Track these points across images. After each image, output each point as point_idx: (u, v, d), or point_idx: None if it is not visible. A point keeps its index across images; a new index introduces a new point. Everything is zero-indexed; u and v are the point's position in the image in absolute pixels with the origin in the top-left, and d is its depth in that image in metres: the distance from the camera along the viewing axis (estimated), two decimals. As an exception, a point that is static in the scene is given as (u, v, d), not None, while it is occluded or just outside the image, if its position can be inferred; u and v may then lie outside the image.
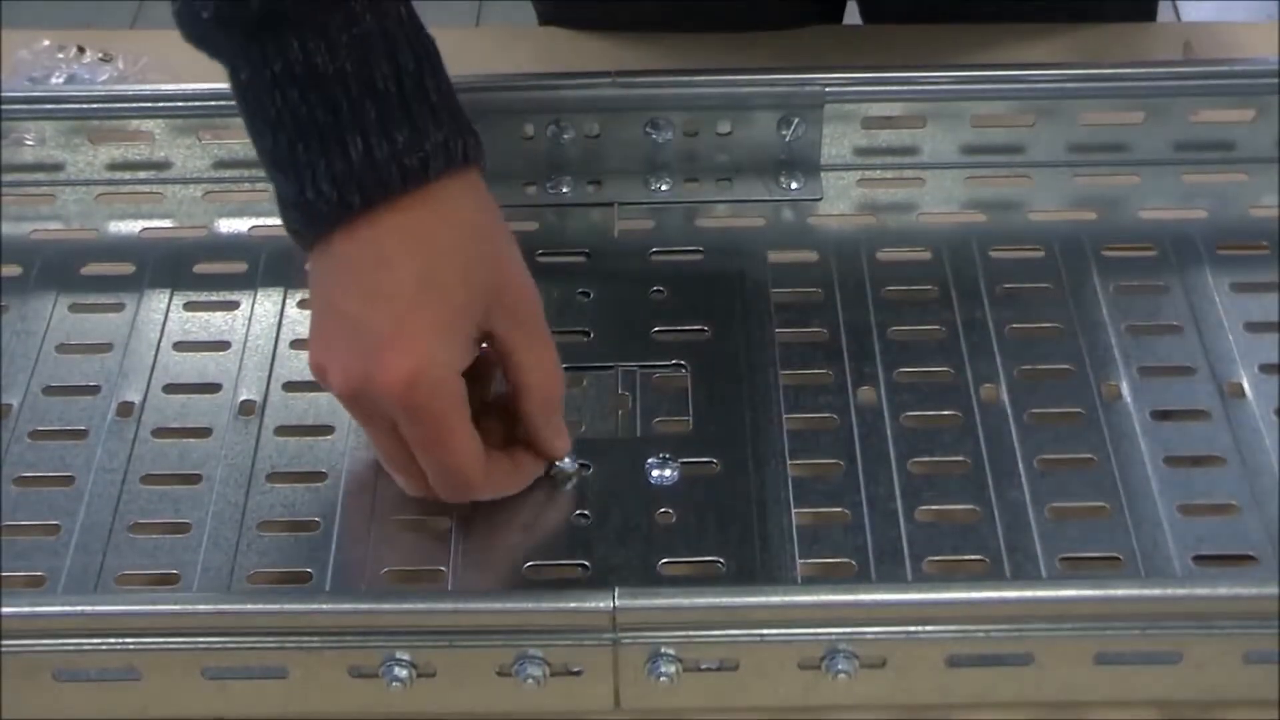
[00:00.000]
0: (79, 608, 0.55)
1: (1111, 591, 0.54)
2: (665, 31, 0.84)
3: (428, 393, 0.55)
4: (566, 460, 0.62)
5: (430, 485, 0.58)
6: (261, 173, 0.73)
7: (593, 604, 0.54)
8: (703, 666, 0.55)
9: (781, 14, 0.85)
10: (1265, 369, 0.66)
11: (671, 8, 0.84)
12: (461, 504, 0.60)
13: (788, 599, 0.55)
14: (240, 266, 0.72)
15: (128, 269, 0.72)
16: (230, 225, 0.74)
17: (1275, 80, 0.72)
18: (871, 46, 0.85)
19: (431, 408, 0.55)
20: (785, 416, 0.64)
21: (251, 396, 0.66)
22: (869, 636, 0.54)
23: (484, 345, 0.58)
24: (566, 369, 0.66)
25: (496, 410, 0.61)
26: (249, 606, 0.55)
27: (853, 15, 0.93)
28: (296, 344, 0.68)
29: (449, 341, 0.55)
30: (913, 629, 0.54)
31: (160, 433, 0.65)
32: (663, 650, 0.55)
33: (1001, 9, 0.84)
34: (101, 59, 0.84)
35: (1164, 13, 0.91)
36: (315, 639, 0.54)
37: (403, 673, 0.55)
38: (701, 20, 0.84)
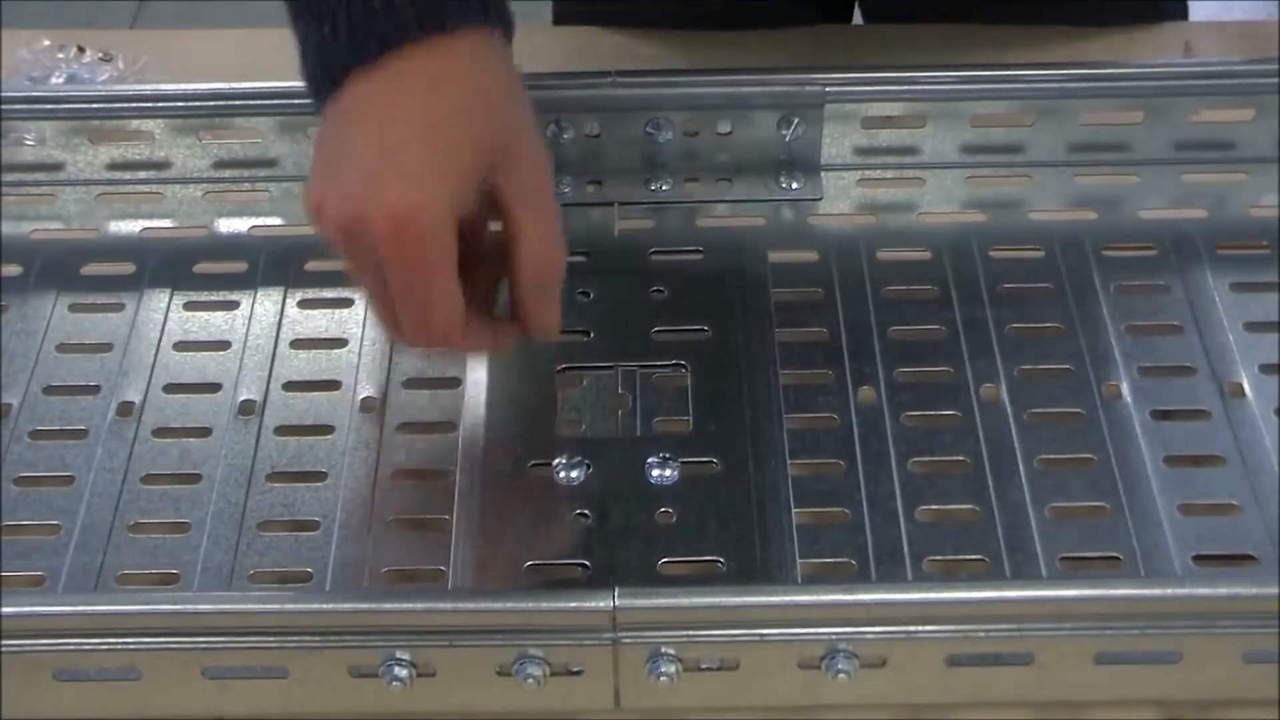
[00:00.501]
0: (79, 607, 0.55)
1: (1111, 591, 0.54)
2: (675, 29, 0.84)
3: (418, 231, 0.54)
4: (575, 472, 0.62)
5: (401, 335, 0.58)
6: (261, 172, 0.74)
7: (593, 604, 0.54)
8: (703, 666, 0.55)
9: (788, 14, 0.85)
10: (1265, 369, 0.66)
11: (681, 7, 0.84)
12: (460, 510, 0.60)
13: (788, 599, 0.55)
14: (240, 266, 0.72)
15: (128, 269, 0.72)
16: (230, 225, 0.74)
17: (1275, 80, 0.72)
18: (871, 47, 0.85)
19: (419, 246, 0.54)
20: (785, 416, 0.64)
21: (251, 396, 0.66)
22: (869, 636, 0.54)
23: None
24: (566, 369, 0.66)
25: (486, 280, 0.61)
26: (249, 606, 0.55)
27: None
28: (296, 344, 0.68)
29: (447, 184, 0.54)
30: (913, 628, 0.54)
31: (160, 432, 0.65)
32: (663, 650, 0.55)
33: (1019, 10, 0.84)
34: (101, 59, 0.84)
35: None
36: (315, 638, 0.54)
37: (403, 672, 0.55)
38: (710, 19, 0.84)
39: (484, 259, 0.60)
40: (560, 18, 0.90)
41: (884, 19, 0.87)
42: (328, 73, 0.56)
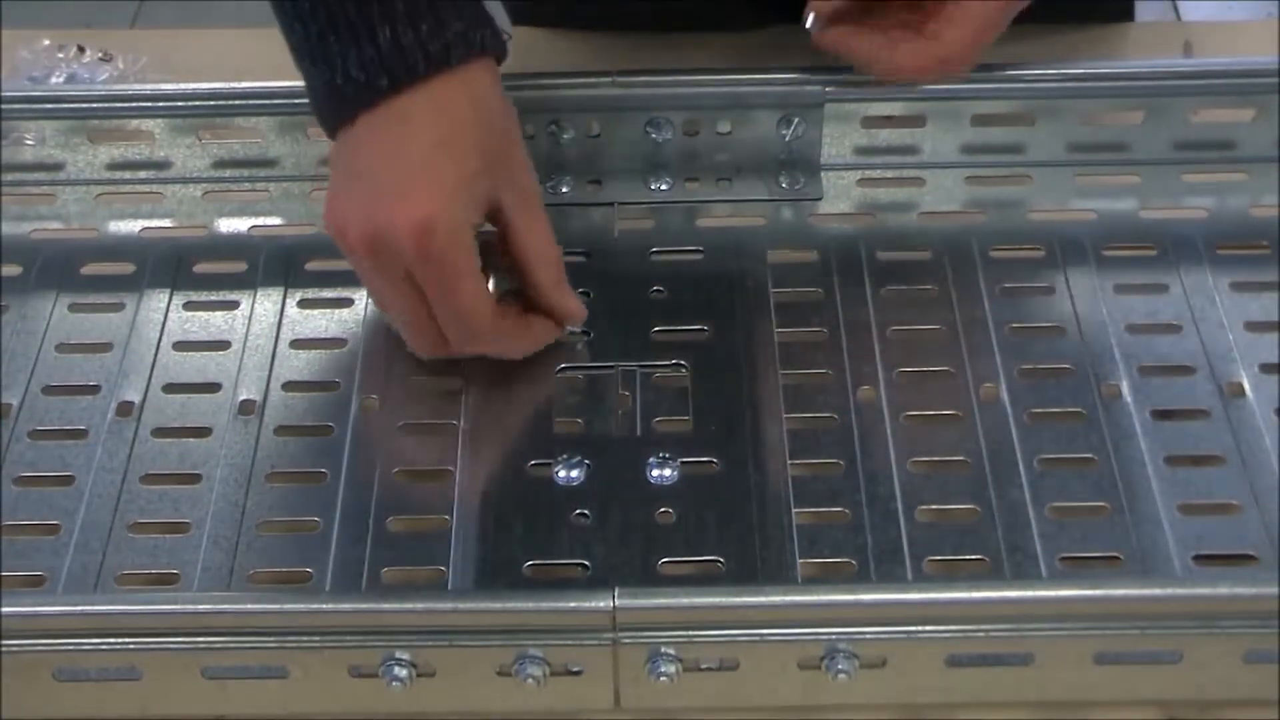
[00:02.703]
0: (79, 607, 0.55)
1: (1111, 591, 0.54)
2: (630, 31, 0.84)
3: (441, 238, 0.59)
4: (575, 472, 0.62)
5: (437, 344, 0.63)
6: (261, 172, 0.74)
7: (593, 604, 0.54)
8: (703, 666, 0.55)
9: (744, 17, 0.84)
10: (1265, 369, 0.66)
11: (633, 8, 0.84)
12: (460, 510, 0.60)
13: (788, 599, 0.55)
14: (240, 266, 0.72)
15: (128, 269, 0.72)
16: (230, 225, 0.74)
17: (1275, 80, 0.72)
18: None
19: (444, 251, 0.59)
20: (785, 416, 0.64)
21: (251, 396, 0.66)
22: (869, 636, 0.54)
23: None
24: (566, 369, 0.67)
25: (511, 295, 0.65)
26: (249, 606, 0.55)
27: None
28: (296, 344, 0.68)
29: (462, 196, 0.60)
30: (913, 629, 0.54)
31: (160, 432, 0.65)
32: (663, 650, 0.55)
33: None
34: (101, 59, 0.84)
35: (1164, 12, 0.91)
36: (315, 638, 0.54)
37: (403, 672, 0.55)
38: (665, 20, 0.83)
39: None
40: (518, 17, 0.90)
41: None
42: (338, 113, 0.61)
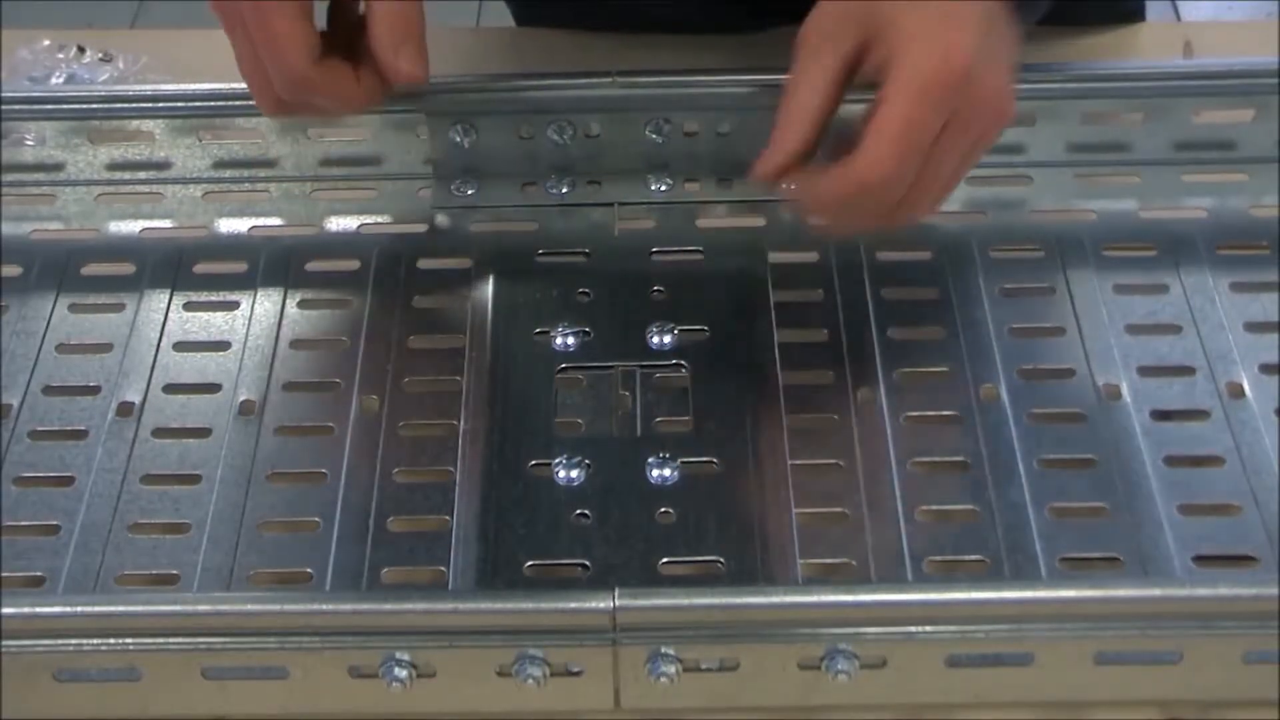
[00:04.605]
0: (79, 608, 0.55)
1: (1111, 592, 0.54)
2: (636, 33, 0.84)
3: None
4: (575, 472, 0.62)
5: (268, 92, 0.64)
6: (262, 172, 0.74)
7: (593, 604, 0.54)
8: (703, 666, 0.55)
9: (742, 18, 0.84)
10: (1265, 369, 0.66)
11: (637, 8, 0.84)
12: (460, 510, 0.60)
13: (788, 599, 0.55)
14: (240, 266, 0.72)
15: (128, 269, 0.72)
16: (230, 225, 0.74)
17: (1275, 80, 0.72)
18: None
19: None
20: (785, 416, 0.64)
21: (251, 396, 0.66)
22: (869, 636, 0.54)
23: None
24: (567, 368, 0.66)
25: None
26: (249, 607, 0.55)
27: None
28: (296, 344, 0.68)
29: None
30: (913, 629, 0.54)
31: (160, 433, 0.65)
32: (663, 650, 0.55)
33: None
34: (101, 59, 0.84)
35: (1164, 12, 0.92)
36: (315, 639, 0.54)
37: (403, 673, 0.55)
38: (666, 21, 0.83)
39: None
40: (523, 20, 0.90)
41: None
42: None
